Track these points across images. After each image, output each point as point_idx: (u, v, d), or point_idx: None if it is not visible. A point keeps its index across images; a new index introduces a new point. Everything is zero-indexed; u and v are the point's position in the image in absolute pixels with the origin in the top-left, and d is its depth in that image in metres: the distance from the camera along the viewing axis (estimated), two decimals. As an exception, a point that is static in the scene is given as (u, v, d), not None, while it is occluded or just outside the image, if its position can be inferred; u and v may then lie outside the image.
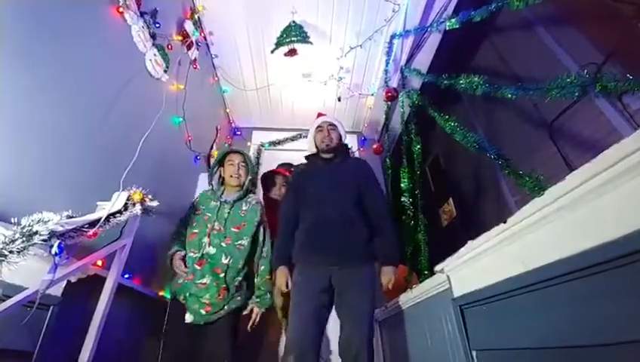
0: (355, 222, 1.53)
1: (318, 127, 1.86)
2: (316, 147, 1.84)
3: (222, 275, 1.58)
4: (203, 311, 1.52)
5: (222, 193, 1.81)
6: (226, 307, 1.56)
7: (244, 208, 1.78)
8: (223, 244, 1.64)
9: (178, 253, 1.63)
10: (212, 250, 1.62)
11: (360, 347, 1.32)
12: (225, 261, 1.61)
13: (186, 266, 1.59)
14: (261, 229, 1.80)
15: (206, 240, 1.63)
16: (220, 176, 1.90)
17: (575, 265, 0.69)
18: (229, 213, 1.73)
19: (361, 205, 1.62)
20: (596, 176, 0.63)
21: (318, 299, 1.42)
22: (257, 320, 1.66)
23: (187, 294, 1.54)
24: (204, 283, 1.54)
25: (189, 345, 1.52)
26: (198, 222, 1.70)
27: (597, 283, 0.66)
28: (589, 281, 0.67)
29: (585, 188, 0.66)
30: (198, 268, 1.57)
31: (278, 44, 2.47)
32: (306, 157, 1.89)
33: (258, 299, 1.67)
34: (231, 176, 1.82)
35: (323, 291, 1.44)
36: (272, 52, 2.54)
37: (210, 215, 1.71)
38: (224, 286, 1.56)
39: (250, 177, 1.87)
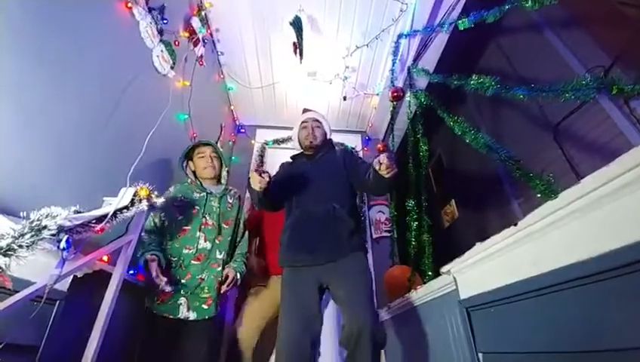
0: (339, 214, 1.46)
1: (303, 122, 1.79)
2: (300, 144, 1.79)
3: (219, 269, 1.63)
4: (205, 306, 1.54)
5: (201, 184, 1.80)
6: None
7: (229, 201, 1.82)
8: (217, 241, 1.67)
9: (153, 257, 1.47)
10: (208, 245, 1.63)
11: (362, 329, 1.19)
12: (220, 256, 1.66)
13: (165, 272, 1.49)
14: (241, 224, 1.86)
15: (200, 234, 1.63)
16: (192, 170, 1.85)
17: (589, 269, 0.68)
18: (218, 207, 1.75)
19: (349, 193, 1.55)
20: (613, 180, 0.62)
21: (308, 302, 1.36)
22: (231, 284, 1.63)
23: (188, 294, 1.53)
24: (203, 278, 1.58)
25: (170, 343, 1.48)
26: (186, 216, 1.65)
27: (611, 287, 0.65)
28: (602, 286, 0.67)
29: (601, 192, 0.65)
30: (197, 263, 1.59)
31: (293, 23, 2.40)
32: (292, 158, 1.84)
33: (235, 265, 1.70)
34: (204, 168, 1.79)
35: (314, 293, 1.37)
36: (290, 24, 2.42)
37: (198, 207, 1.69)
38: (221, 279, 1.62)
39: (227, 169, 1.89)
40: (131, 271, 1.63)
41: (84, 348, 1.11)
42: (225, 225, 1.74)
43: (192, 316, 1.51)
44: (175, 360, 1.48)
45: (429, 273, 1.92)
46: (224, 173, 1.88)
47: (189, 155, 1.85)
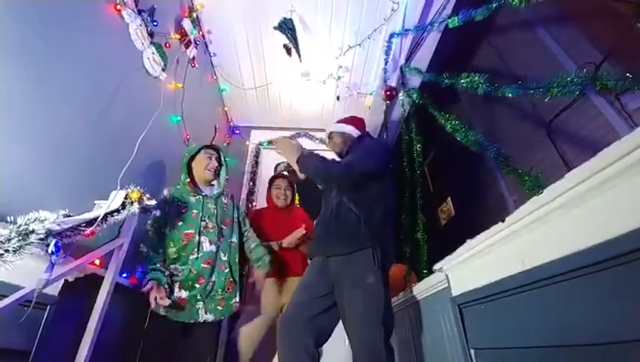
0: (344, 205, 1.43)
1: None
2: None
3: (227, 271, 1.66)
4: (220, 307, 1.59)
5: (195, 186, 1.78)
6: (233, 302, 1.63)
7: (224, 201, 1.83)
8: (219, 242, 1.68)
9: (157, 283, 1.42)
10: (213, 248, 1.63)
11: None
12: (224, 258, 1.67)
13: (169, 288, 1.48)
14: (242, 224, 1.89)
15: (203, 238, 1.62)
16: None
17: (575, 263, 0.68)
18: (215, 208, 1.74)
19: (360, 184, 1.47)
20: (596, 174, 0.63)
21: (313, 289, 1.38)
22: (262, 283, 1.76)
23: (204, 298, 1.55)
24: (214, 281, 1.60)
25: (175, 344, 1.51)
26: (186, 221, 1.63)
27: (597, 281, 0.66)
28: (588, 280, 0.67)
29: (585, 187, 0.65)
30: (207, 266, 1.59)
31: (280, 27, 2.40)
32: None
33: (259, 264, 1.77)
34: (208, 170, 1.78)
35: (322, 285, 1.37)
36: (275, 28, 2.44)
37: (197, 211, 1.67)
38: (231, 279, 1.65)
39: (227, 177, 1.90)
40: (124, 274, 1.62)
41: (76, 353, 1.11)
42: (224, 226, 1.74)
43: (211, 318, 1.55)
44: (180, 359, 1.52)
45: (425, 271, 1.92)
46: (222, 179, 1.87)
47: (193, 156, 1.82)
